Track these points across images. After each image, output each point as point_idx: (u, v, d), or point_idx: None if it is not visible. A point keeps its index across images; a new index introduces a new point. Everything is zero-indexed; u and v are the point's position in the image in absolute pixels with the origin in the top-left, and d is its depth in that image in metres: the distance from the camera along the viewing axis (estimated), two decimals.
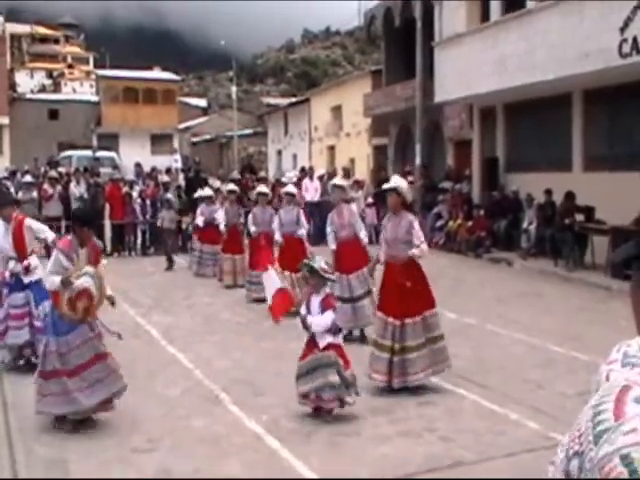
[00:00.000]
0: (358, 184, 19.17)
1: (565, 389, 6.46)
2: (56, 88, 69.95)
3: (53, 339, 5.66)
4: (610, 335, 6.88)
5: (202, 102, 59.11)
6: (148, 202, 17.69)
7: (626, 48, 11.98)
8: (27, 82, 73.95)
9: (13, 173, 23.14)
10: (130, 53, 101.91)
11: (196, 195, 15.92)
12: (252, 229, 11.68)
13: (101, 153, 31.78)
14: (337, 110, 31.33)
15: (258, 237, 11.39)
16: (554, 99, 15.48)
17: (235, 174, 20.18)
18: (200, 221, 14.35)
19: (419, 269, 6.71)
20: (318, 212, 17.97)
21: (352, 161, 28.46)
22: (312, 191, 19.01)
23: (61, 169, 21.99)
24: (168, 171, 21.92)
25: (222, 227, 13.23)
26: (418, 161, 19.83)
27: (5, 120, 40.90)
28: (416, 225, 6.75)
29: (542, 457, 4.40)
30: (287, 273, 10.17)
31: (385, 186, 7.02)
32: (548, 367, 7.35)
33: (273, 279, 10.22)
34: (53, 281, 5.67)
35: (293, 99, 43.74)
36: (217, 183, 18.35)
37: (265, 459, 5.13)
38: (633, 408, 1.10)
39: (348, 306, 8.38)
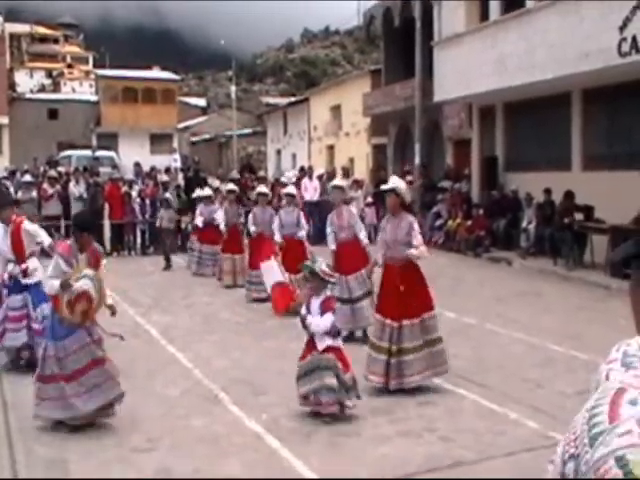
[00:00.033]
0: (357, 184, 19.19)
1: (564, 388, 6.46)
2: (55, 88, 69.97)
3: (51, 343, 5.67)
4: (609, 334, 6.88)
5: (201, 102, 59.11)
6: (147, 202, 17.70)
7: (625, 47, 11.99)
8: (26, 82, 73.89)
9: (13, 173, 23.11)
10: (130, 53, 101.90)
11: (194, 195, 15.93)
12: (252, 229, 11.68)
13: (100, 153, 31.74)
14: (336, 110, 31.33)
15: (258, 237, 11.40)
16: (553, 98, 15.49)
17: (234, 174, 20.19)
18: (199, 221, 14.35)
19: (418, 271, 6.69)
20: (317, 212, 17.98)
21: (351, 161, 28.47)
22: (311, 191, 19.01)
23: (60, 169, 21.99)
24: (167, 171, 21.92)
25: (222, 227, 13.21)
26: (417, 160, 19.84)
27: (4, 120, 40.91)
28: (416, 227, 6.73)
29: (541, 456, 4.39)
30: (287, 275, 10.21)
31: (383, 187, 7.00)
32: (547, 366, 7.35)
33: (274, 270, 10.24)
34: (52, 285, 5.68)
35: (292, 99, 43.74)
36: (216, 182, 18.37)
37: (265, 459, 5.13)
38: (628, 410, 1.11)
39: (347, 307, 8.37)
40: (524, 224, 15.49)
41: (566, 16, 13.49)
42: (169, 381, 7.02)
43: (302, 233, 10.80)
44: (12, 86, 58.55)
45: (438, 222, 17.85)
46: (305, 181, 19.39)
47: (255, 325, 9.63)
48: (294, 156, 35.87)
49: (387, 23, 24.07)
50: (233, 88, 48.31)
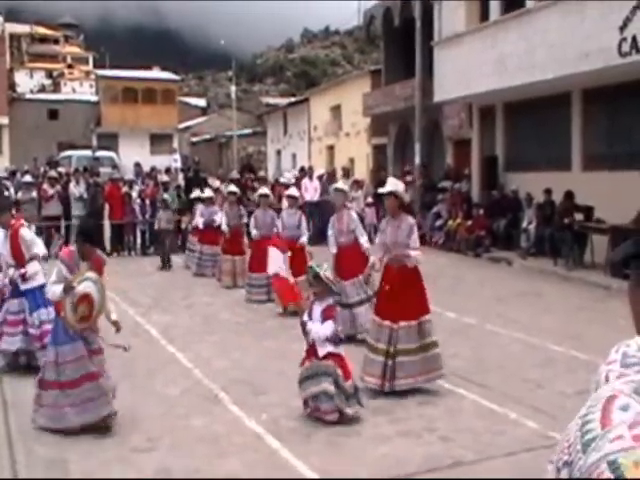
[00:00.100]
0: (357, 184, 19.19)
1: (564, 388, 6.47)
2: (56, 88, 69.94)
3: (52, 347, 5.69)
4: (609, 334, 6.89)
5: (201, 102, 59.14)
6: (147, 202, 17.70)
7: (625, 47, 11.99)
8: (27, 82, 73.89)
9: (13, 173, 23.11)
10: (130, 53, 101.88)
11: (192, 196, 15.90)
12: (253, 233, 11.61)
13: (101, 153, 31.75)
14: (336, 110, 31.32)
15: (259, 240, 11.34)
16: (553, 98, 15.49)
17: (234, 174, 20.18)
18: (200, 222, 14.34)
19: (417, 273, 6.69)
20: (318, 212, 17.98)
21: (351, 161, 28.46)
22: (311, 191, 19.01)
23: (61, 169, 21.94)
24: (167, 171, 21.91)
25: (224, 228, 13.11)
26: (417, 160, 19.85)
27: (5, 120, 40.94)
28: (415, 230, 6.75)
29: (541, 456, 4.40)
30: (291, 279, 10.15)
31: (381, 190, 6.99)
32: (547, 366, 7.36)
33: (277, 256, 10.15)
34: (54, 291, 5.69)
35: (292, 99, 43.73)
36: (216, 183, 18.35)
37: (265, 459, 5.13)
38: (619, 415, 1.12)
39: (346, 312, 8.37)
40: (524, 224, 15.49)
41: (566, 16, 13.50)
42: (169, 381, 7.02)
43: (304, 239, 10.78)
44: (12, 86, 58.59)
45: (438, 222, 17.85)
46: (305, 181, 19.39)
47: (255, 325, 9.63)
48: (294, 156, 35.87)
49: (387, 23, 24.07)
50: (233, 88, 48.32)
